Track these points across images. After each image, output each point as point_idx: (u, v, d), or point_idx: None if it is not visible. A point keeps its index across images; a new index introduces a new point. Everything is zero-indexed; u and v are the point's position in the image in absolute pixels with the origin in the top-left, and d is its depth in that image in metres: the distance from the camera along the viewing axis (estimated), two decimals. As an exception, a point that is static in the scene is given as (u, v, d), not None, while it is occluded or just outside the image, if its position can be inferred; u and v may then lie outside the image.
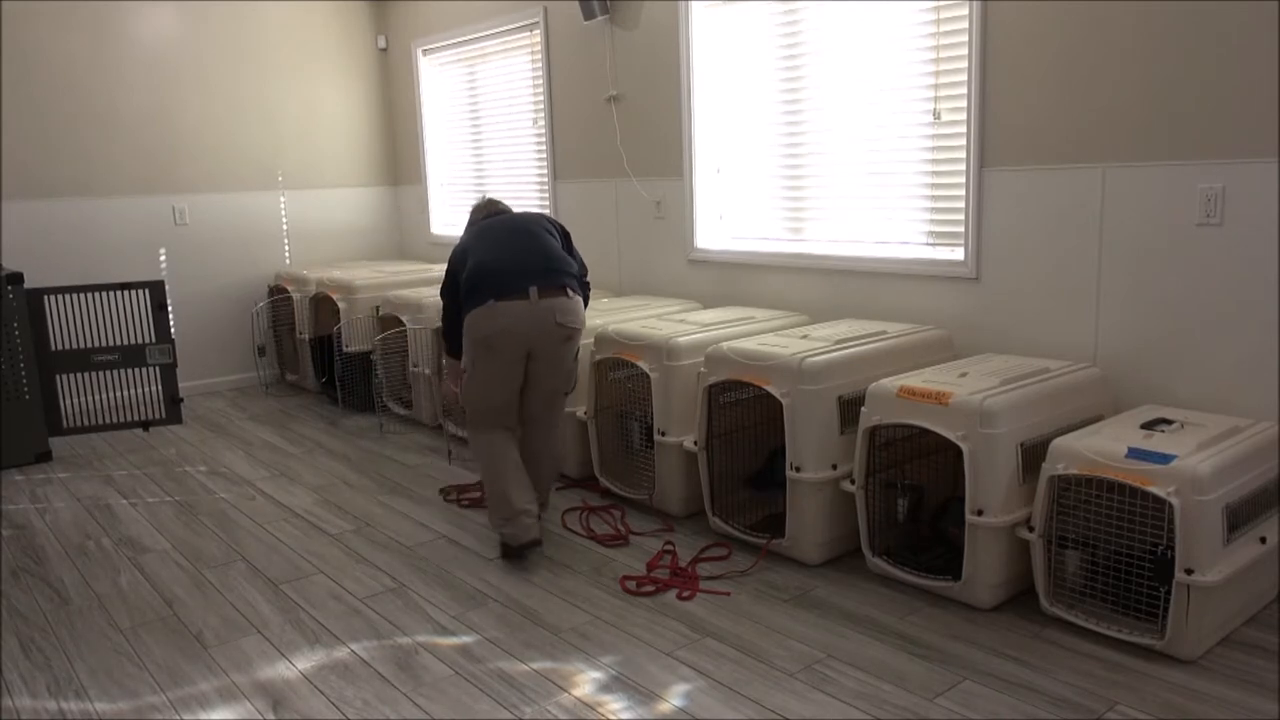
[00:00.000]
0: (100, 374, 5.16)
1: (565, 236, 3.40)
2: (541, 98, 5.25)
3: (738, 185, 4.33)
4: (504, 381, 3.20)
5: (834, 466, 3.01)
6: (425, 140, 6.27)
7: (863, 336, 3.29)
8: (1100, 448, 2.51)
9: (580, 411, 3.78)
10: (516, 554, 3.17)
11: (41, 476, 4.31)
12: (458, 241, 3.39)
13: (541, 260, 3.18)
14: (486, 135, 5.80)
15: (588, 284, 3.41)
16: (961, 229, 3.48)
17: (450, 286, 3.33)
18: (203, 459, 4.52)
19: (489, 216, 3.44)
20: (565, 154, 5.16)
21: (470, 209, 3.63)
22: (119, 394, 5.59)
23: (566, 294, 3.17)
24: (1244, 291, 2.82)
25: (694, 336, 3.48)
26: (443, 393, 4.20)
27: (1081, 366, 3.05)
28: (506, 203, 3.80)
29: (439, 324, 4.64)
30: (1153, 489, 2.39)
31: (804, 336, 3.30)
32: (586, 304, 3.40)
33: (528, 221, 3.32)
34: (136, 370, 5.26)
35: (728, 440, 3.31)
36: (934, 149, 3.53)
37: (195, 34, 5.67)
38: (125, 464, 4.48)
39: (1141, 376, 3.07)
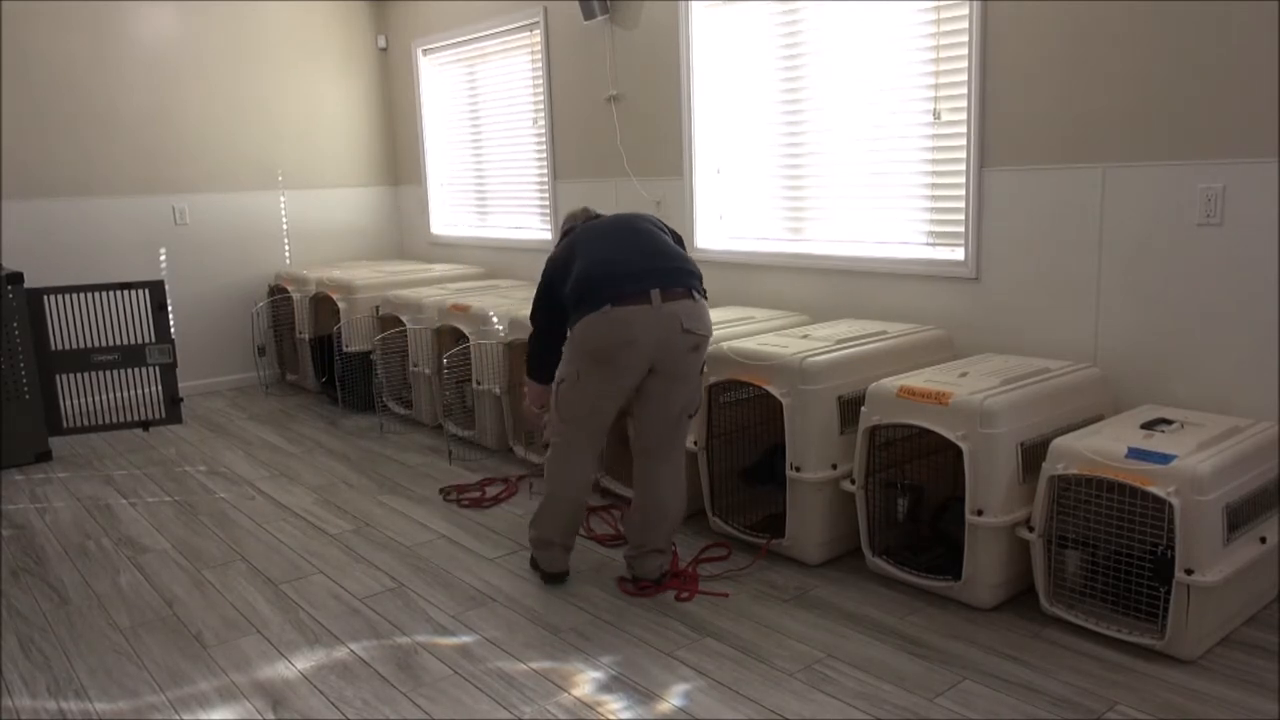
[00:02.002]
0: (100, 374, 5.15)
1: (676, 238, 2.99)
2: (541, 98, 5.25)
3: (738, 185, 4.33)
4: (613, 400, 2.80)
5: (834, 466, 3.01)
6: (425, 140, 6.26)
7: (863, 336, 3.29)
8: (1100, 448, 2.51)
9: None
10: (545, 578, 3.02)
11: (41, 476, 4.31)
12: (553, 252, 2.96)
13: (661, 259, 2.76)
14: (486, 135, 5.80)
15: (705, 291, 2.94)
16: (961, 229, 3.48)
17: (546, 302, 2.90)
18: (202, 459, 4.52)
19: (587, 221, 3.03)
20: (565, 154, 5.16)
21: (564, 218, 3.19)
22: (119, 394, 5.59)
23: (692, 296, 2.75)
24: (1244, 291, 2.82)
25: (694, 336, 3.48)
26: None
27: (1081, 366, 3.05)
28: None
29: (438, 324, 4.64)
30: (1153, 489, 2.38)
31: (804, 336, 3.30)
32: None
33: (637, 219, 2.92)
34: (136, 370, 5.26)
35: (728, 440, 3.30)
36: (934, 149, 3.53)
37: (195, 34, 5.67)
38: (125, 464, 4.48)
39: (1141, 376, 3.07)
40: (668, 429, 2.85)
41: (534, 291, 4.84)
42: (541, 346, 2.97)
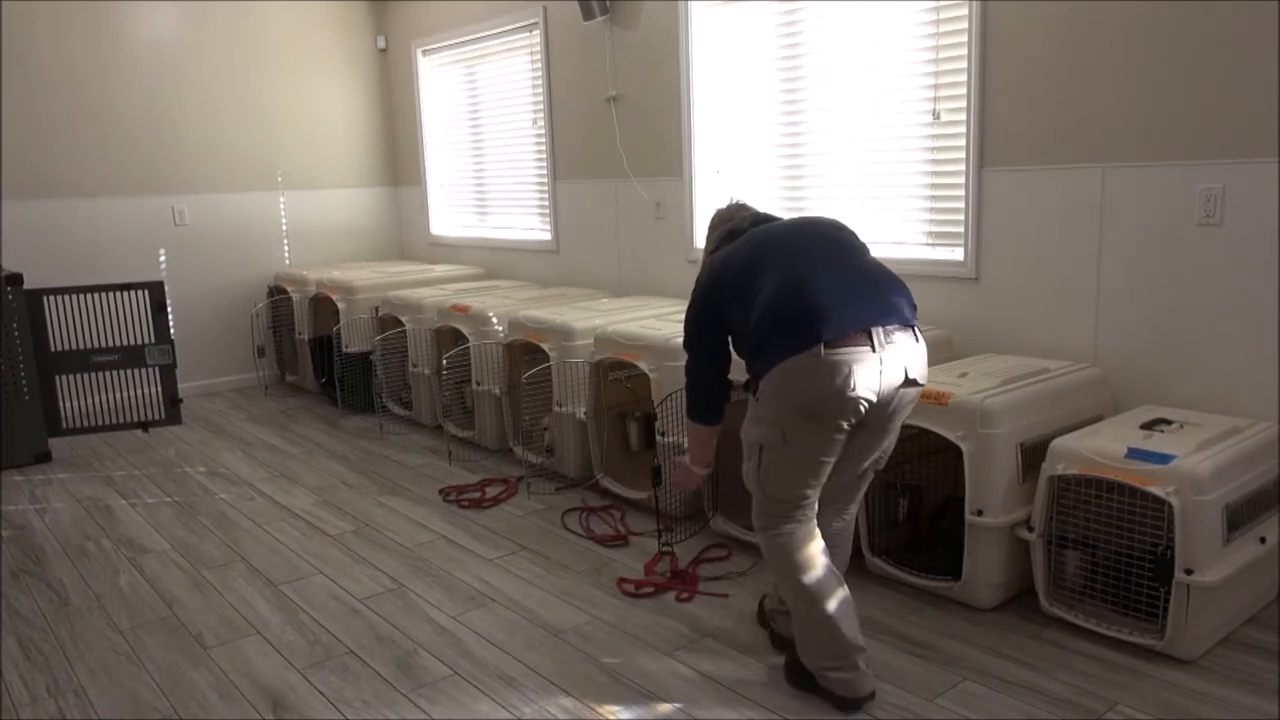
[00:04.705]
0: (100, 375, 5.15)
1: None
2: (541, 98, 5.25)
3: (738, 186, 4.33)
4: (828, 463, 2.25)
5: (834, 467, 3.01)
6: (425, 140, 6.26)
7: (862, 337, 3.28)
8: (1100, 448, 2.51)
9: (580, 411, 3.78)
10: (851, 706, 2.26)
11: (41, 477, 4.31)
12: (708, 260, 2.41)
13: (877, 286, 2.20)
14: (486, 135, 5.80)
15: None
16: (961, 229, 3.48)
17: (709, 322, 2.34)
18: (202, 460, 4.52)
19: (756, 224, 2.42)
20: (565, 154, 5.16)
21: (715, 215, 2.57)
22: (118, 395, 5.58)
23: (915, 337, 2.21)
24: (1244, 291, 2.82)
25: (694, 337, 3.48)
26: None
27: (1081, 366, 3.05)
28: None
29: (438, 325, 4.63)
30: (1152, 489, 2.38)
31: (804, 337, 3.29)
32: None
33: (831, 229, 2.33)
34: (136, 371, 5.25)
35: (730, 441, 3.30)
36: (934, 149, 3.53)
37: (195, 34, 5.67)
38: (125, 465, 4.48)
39: (1141, 376, 3.07)
40: (853, 481, 2.38)
41: (531, 292, 4.88)
42: (711, 378, 2.43)
